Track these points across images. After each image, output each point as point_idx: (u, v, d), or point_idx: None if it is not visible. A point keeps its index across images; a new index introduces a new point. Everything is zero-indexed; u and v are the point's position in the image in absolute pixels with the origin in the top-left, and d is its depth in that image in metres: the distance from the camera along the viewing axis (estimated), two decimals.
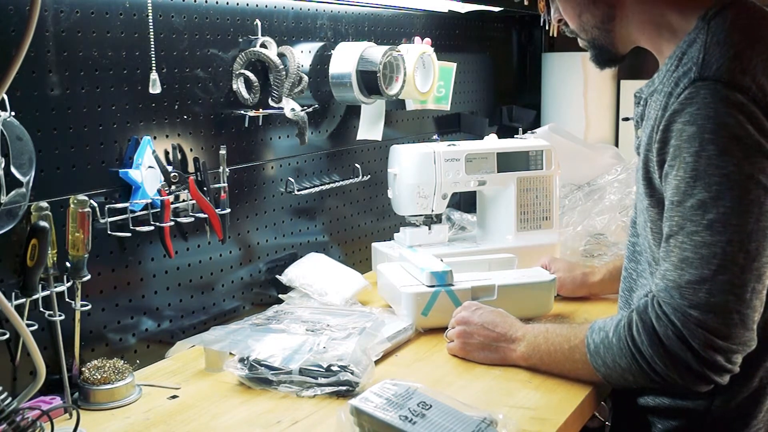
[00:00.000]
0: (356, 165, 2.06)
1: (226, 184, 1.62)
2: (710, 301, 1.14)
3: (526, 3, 2.38)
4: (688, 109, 1.14)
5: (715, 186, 1.13)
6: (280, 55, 1.72)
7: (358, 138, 2.04)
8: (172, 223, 1.50)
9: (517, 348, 1.41)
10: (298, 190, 1.87)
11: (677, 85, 1.18)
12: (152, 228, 1.47)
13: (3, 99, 1.18)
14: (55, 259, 1.30)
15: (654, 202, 1.24)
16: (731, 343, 1.15)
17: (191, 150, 1.59)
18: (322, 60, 1.91)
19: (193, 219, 1.55)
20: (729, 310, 1.14)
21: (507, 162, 1.99)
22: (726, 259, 1.13)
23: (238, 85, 1.66)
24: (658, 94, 1.23)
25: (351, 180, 2.04)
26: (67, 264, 1.32)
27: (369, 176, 2.10)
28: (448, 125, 2.48)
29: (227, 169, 1.62)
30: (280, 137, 1.83)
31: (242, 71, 1.65)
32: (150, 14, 1.45)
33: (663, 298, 1.18)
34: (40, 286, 1.28)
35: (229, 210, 1.62)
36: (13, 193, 1.19)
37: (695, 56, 1.18)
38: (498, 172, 1.99)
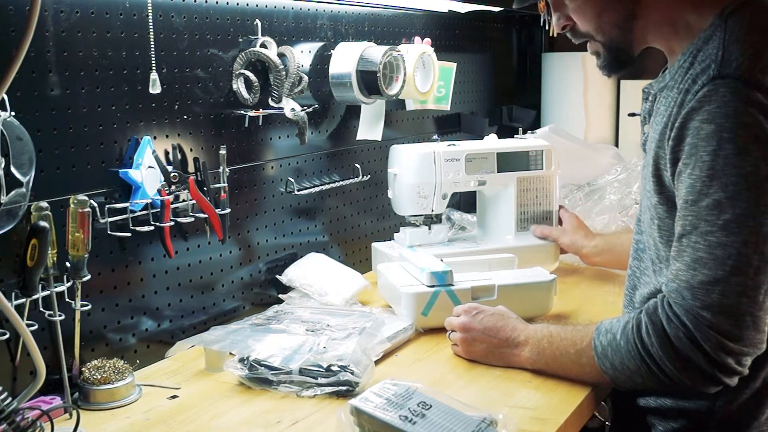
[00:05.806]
0: (356, 165, 2.06)
1: (226, 184, 1.62)
2: (723, 303, 1.13)
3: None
4: (707, 106, 1.12)
5: (731, 186, 1.11)
6: (280, 55, 1.72)
7: (358, 138, 2.04)
8: (172, 223, 1.50)
9: (522, 353, 1.41)
10: (298, 190, 1.87)
11: (695, 82, 1.16)
12: (152, 228, 1.47)
13: (3, 99, 1.18)
14: (55, 259, 1.30)
15: (663, 200, 1.23)
16: (742, 346, 1.14)
17: (191, 150, 1.59)
18: (322, 60, 1.91)
19: (193, 219, 1.55)
20: (742, 312, 1.13)
21: (507, 162, 1.99)
22: (741, 260, 1.12)
23: (238, 85, 1.66)
24: (670, 90, 1.22)
25: (351, 180, 2.04)
26: (67, 264, 1.32)
27: (369, 176, 2.09)
28: (448, 125, 2.48)
29: (227, 169, 1.62)
30: (280, 137, 1.83)
31: (242, 71, 1.65)
32: (150, 14, 1.45)
33: (674, 299, 1.17)
34: (40, 286, 1.28)
35: (229, 210, 1.62)
36: (13, 193, 1.19)
37: (713, 53, 1.16)
38: (498, 172, 1.98)
